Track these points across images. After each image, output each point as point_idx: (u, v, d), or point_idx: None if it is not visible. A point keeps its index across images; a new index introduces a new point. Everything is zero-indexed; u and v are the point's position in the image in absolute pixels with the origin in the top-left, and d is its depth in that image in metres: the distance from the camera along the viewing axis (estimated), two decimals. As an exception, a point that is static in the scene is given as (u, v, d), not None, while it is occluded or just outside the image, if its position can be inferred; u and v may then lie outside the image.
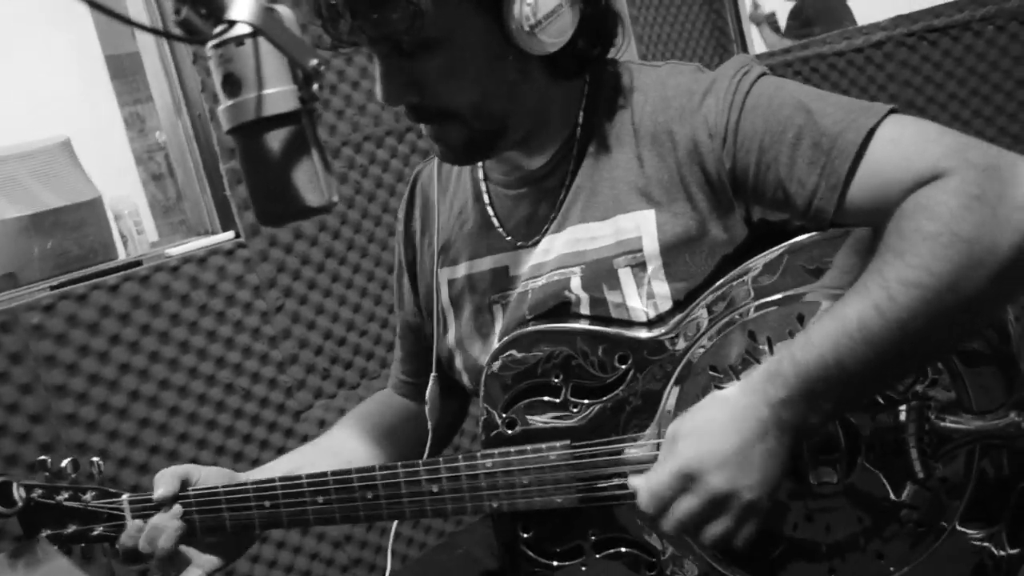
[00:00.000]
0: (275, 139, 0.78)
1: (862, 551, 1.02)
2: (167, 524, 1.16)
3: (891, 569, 1.01)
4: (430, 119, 1.06)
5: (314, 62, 0.77)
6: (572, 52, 1.05)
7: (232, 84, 0.77)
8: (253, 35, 0.76)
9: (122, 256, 2.16)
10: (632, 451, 1.05)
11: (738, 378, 1.01)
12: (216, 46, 0.77)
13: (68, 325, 1.79)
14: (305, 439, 2.09)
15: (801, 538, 1.03)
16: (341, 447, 1.34)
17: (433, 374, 1.27)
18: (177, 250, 1.99)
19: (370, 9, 0.94)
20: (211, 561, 1.22)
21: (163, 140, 2.25)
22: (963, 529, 1.00)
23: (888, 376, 0.96)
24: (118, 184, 2.82)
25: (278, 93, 0.77)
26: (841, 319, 0.90)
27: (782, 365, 0.92)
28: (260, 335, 2.06)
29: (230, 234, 2.07)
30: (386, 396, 1.46)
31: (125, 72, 3.41)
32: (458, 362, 1.25)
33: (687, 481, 0.93)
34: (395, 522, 1.61)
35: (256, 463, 1.93)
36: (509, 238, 1.19)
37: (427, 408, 1.27)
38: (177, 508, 1.17)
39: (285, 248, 2.11)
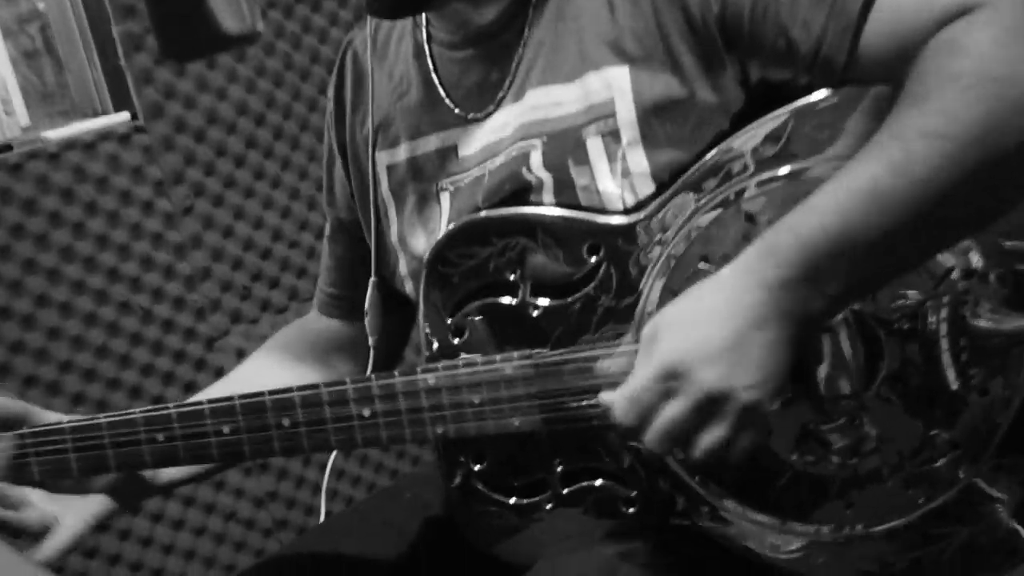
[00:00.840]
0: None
1: (884, 481, 1.05)
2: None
3: (920, 501, 1.04)
4: None
5: None
6: None
7: None
8: None
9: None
10: (606, 363, 1.07)
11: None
12: None
13: (-82, 222, 1.81)
14: (220, 373, 2.11)
15: (810, 465, 1.05)
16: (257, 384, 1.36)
17: (372, 279, 1.29)
18: (57, 133, 1.98)
19: None
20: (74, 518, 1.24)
21: (42, 5, 2.22)
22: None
23: (906, 251, 0.96)
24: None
25: None
26: (849, 180, 0.91)
27: (779, 238, 0.93)
28: (164, 242, 2.07)
29: (125, 115, 2.06)
30: (311, 320, 1.49)
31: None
32: (401, 266, 1.27)
33: (671, 380, 0.94)
34: (331, 458, 1.64)
35: (158, 401, 1.97)
36: (457, 110, 1.20)
37: (367, 320, 1.29)
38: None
39: (196, 135, 2.11)
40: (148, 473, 1.27)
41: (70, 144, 1.96)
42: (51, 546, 1.22)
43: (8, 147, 1.94)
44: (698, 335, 0.94)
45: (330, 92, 1.38)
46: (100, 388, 1.99)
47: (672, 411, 0.95)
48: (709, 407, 0.94)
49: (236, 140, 2.17)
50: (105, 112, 2.09)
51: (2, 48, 2.45)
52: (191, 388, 2.06)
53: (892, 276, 0.98)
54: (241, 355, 2.14)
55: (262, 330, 2.19)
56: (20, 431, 1.18)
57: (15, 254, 1.90)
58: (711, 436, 0.95)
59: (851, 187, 0.90)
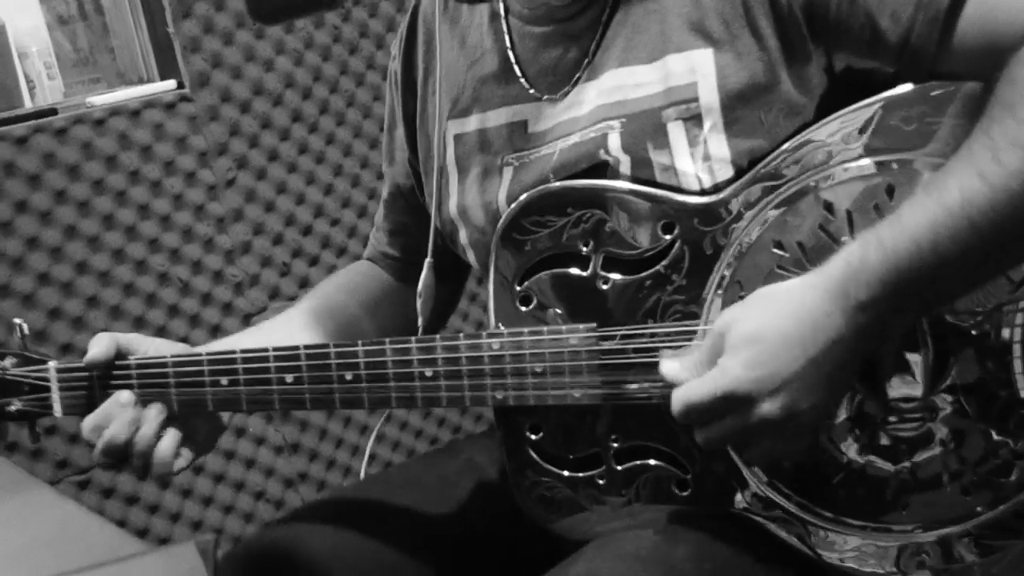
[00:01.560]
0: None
1: (944, 486, 1.09)
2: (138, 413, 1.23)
3: (978, 510, 1.08)
4: None
5: None
6: None
7: None
8: None
9: (28, 106, 2.22)
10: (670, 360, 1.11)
11: (806, 258, 1.08)
12: None
13: (-38, 184, 1.86)
14: (255, 349, 2.17)
15: (869, 464, 1.10)
16: (318, 320, 1.43)
17: (428, 260, 1.34)
18: (103, 99, 2.05)
19: None
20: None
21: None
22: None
23: (992, 265, 1.00)
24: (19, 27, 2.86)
25: None
26: (939, 192, 0.94)
27: (867, 254, 0.96)
28: (205, 215, 2.14)
29: (171, 83, 2.13)
30: (366, 267, 1.55)
31: None
32: (462, 236, 1.32)
33: (732, 403, 0.99)
34: (378, 424, 1.69)
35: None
36: (532, 90, 1.25)
37: (419, 301, 1.34)
38: (127, 395, 1.24)
39: (241, 105, 2.17)
40: None
41: (115, 111, 2.03)
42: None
43: (53, 111, 2.00)
44: (764, 366, 0.98)
45: (396, 51, 1.43)
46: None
47: (729, 427, 1.01)
48: (763, 428, 0.99)
49: (281, 113, 2.23)
50: (151, 79, 2.16)
51: (38, 16, 2.52)
52: (226, 362, 2.11)
53: (973, 290, 1.03)
54: (278, 332, 2.21)
55: (300, 307, 2.25)
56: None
57: (56, 219, 1.96)
58: (765, 449, 1.02)
59: (943, 202, 0.94)
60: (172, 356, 1.25)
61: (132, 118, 2.05)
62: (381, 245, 1.54)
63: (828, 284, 0.98)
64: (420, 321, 1.34)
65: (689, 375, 1.04)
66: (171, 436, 1.24)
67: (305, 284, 2.27)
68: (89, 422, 1.24)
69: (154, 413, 1.23)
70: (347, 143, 2.33)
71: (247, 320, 2.18)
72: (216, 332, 2.15)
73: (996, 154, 0.92)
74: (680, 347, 1.11)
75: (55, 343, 1.96)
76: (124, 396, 1.23)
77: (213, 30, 2.12)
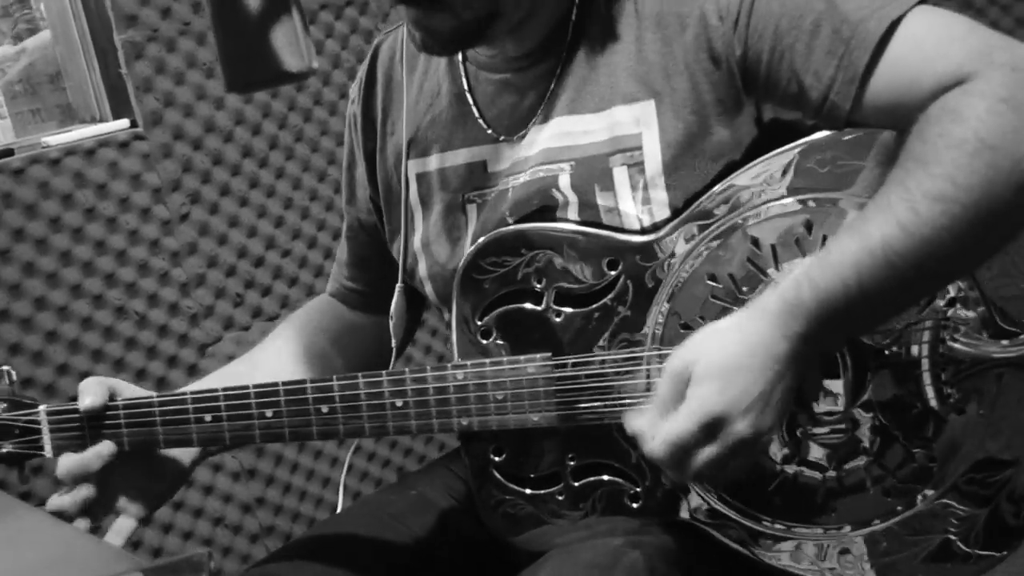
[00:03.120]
0: (255, -6, 0.95)
1: (867, 490, 1.22)
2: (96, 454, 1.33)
3: (898, 508, 1.21)
4: (417, 4, 1.20)
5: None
6: None
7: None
8: None
9: (-18, 146, 2.26)
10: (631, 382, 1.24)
11: (737, 288, 1.21)
12: None
13: (-80, 226, 1.93)
14: (211, 378, 2.25)
15: (799, 472, 1.23)
16: (279, 363, 1.53)
17: (400, 285, 1.45)
18: (58, 139, 2.12)
19: None
20: (137, 507, 1.40)
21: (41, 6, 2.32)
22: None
23: (910, 297, 1.14)
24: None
25: (261, -61, 0.94)
26: (862, 237, 1.06)
27: (801, 292, 1.07)
28: (160, 249, 2.21)
29: (124, 122, 2.20)
30: (326, 304, 1.66)
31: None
32: (421, 268, 1.43)
33: (712, 429, 1.10)
34: (348, 455, 1.78)
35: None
36: (490, 131, 1.36)
37: (392, 324, 1.45)
38: (110, 444, 1.34)
39: (193, 143, 2.25)
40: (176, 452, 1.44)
41: (71, 150, 2.10)
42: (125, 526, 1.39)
43: (9, 152, 2.07)
44: (736, 388, 1.09)
45: (355, 94, 1.53)
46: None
47: (709, 454, 1.11)
48: (740, 449, 1.11)
49: (232, 149, 2.31)
50: (104, 119, 2.23)
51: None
52: (183, 393, 2.18)
53: (894, 316, 1.16)
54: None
55: (253, 336, 2.33)
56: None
57: (15, 257, 2.03)
58: (735, 467, 1.13)
59: (866, 245, 1.06)
60: (158, 396, 1.35)
61: (87, 157, 2.12)
62: (344, 280, 1.64)
63: (770, 317, 1.09)
64: (393, 342, 1.45)
65: (656, 423, 1.13)
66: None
67: (258, 314, 2.36)
68: (66, 465, 1.34)
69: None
70: (296, 177, 2.42)
71: (203, 351, 2.26)
72: (173, 363, 2.23)
73: (913, 205, 1.04)
74: (628, 372, 1.24)
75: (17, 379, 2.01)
76: (107, 448, 1.34)
77: (165, 70, 2.20)
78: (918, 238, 1.04)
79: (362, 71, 1.53)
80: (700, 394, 1.10)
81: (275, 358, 1.57)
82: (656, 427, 1.12)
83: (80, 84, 2.26)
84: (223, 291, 2.31)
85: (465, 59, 1.39)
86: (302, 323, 1.63)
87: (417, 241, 1.43)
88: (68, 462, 1.34)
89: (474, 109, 1.38)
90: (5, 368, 1.38)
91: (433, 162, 1.41)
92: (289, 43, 0.96)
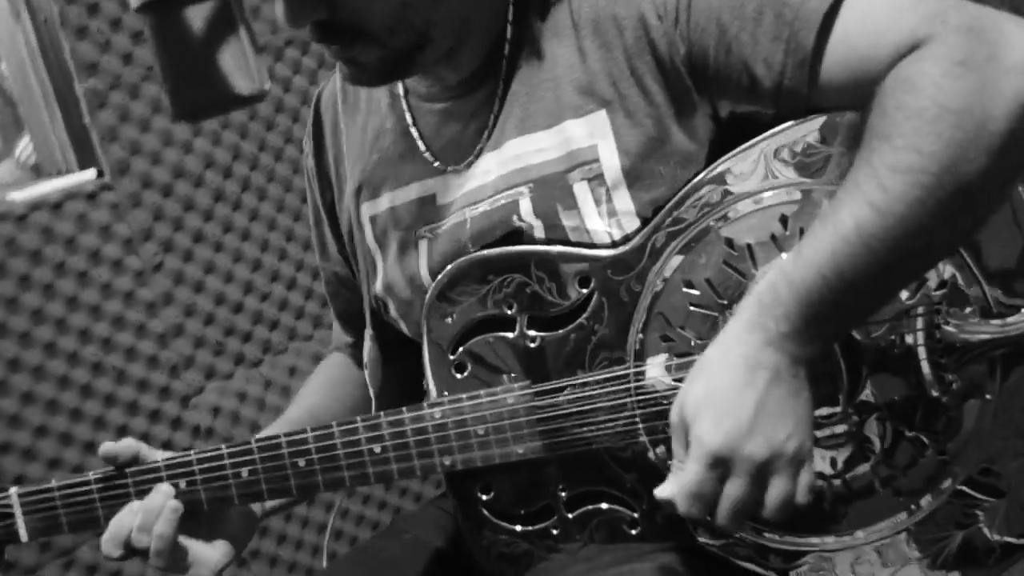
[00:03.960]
0: (197, 16, 0.90)
1: (877, 491, 1.16)
2: (161, 505, 1.26)
3: (912, 507, 1.15)
4: (341, 38, 1.14)
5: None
6: None
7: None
8: None
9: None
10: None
11: (716, 293, 1.15)
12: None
13: None
14: (197, 430, 2.20)
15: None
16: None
17: (369, 332, 1.40)
18: (23, 194, 2.06)
19: None
20: (217, 557, 1.33)
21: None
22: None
23: (894, 282, 1.08)
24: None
25: (193, -41, 0.89)
26: (834, 224, 1.01)
27: (777, 291, 1.03)
28: (134, 301, 2.16)
29: (91, 173, 2.15)
30: (337, 359, 1.61)
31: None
32: (391, 310, 1.38)
33: (721, 466, 1.03)
34: (338, 502, 1.71)
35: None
36: (437, 163, 1.31)
37: (367, 373, 1.40)
38: (167, 487, 1.27)
39: (163, 190, 2.20)
40: None
41: (36, 205, 2.05)
42: None
43: (-28, 211, 2.02)
44: (728, 416, 1.03)
45: (307, 148, 1.49)
46: (77, 452, 2.07)
47: (734, 491, 1.04)
48: (765, 472, 1.03)
49: (204, 194, 2.26)
50: (70, 171, 2.17)
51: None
52: (168, 447, 2.14)
53: (883, 304, 1.10)
54: (217, 412, 2.25)
55: (236, 384, 2.29)
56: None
57: (-15, 320, 1.97)
58: (774, 494, 1.05)
59: (839, 232, 1.00)
60: (130, 469, 1.30)
61: (54, 211, 2.07)
62: (340, 335, 1.59)
63: (749, 323, 1.04)
64: (371, 392, 1.39)
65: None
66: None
67: (240, 361, 2.30)
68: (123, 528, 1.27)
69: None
70: (271, 218, 2.37)
71: (186, 402, 2.21)
72: (156, 417, 2.17)
73: (880, 182, 0.99)
74: (612, 392, 1.19)
75: (-8, 443, 1.97)
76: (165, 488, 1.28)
77: (129, 118, 2.15)
78: (891, 216, 0.99)
79: (308, 124, 1.49)
80: (696, 435, 1.04)
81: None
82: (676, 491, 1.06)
83: (44, 137, 2.21)
84: (202, 340, 2.26)
85: (407, 92, 1.34)
86: (314, 386, 1.58)
87: (379, 285, 1.38)
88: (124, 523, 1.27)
89: (419, 142, 1.33)
90: None
91: (384, 202, 1.36)
92: (238, 65, 0.91)
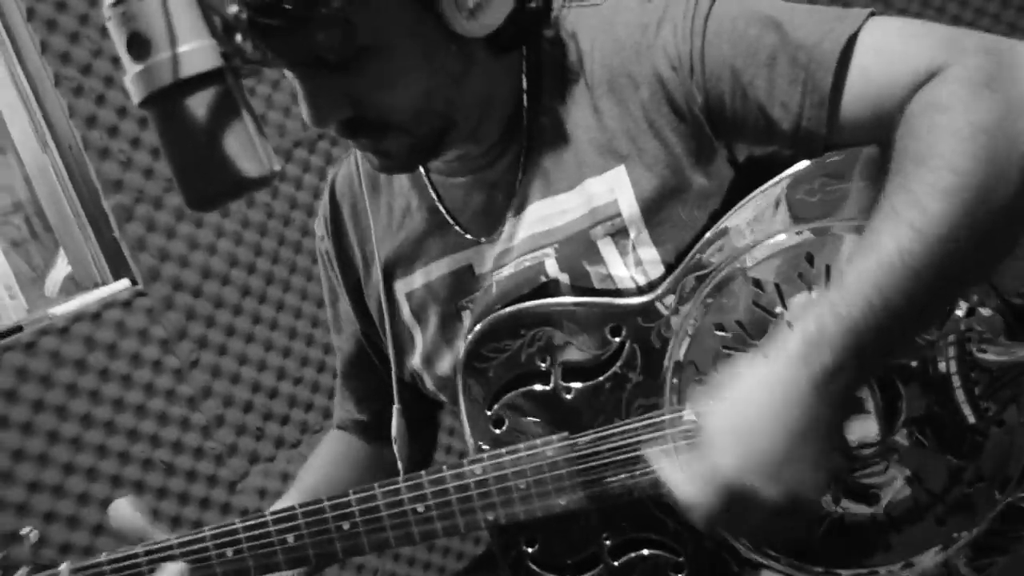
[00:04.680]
0: (198, 104, 0.81)
1: (919, 519, 1.06)
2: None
3: (954, 536, 1.05)
4: (369, 132, 1.07)
5: (234, 9, 0.80)
6: (515, 20, 1.05)
7: (139, 45, 0.80)
8: (158, -16, 0.79)
9: (-4, 327, 2.15)
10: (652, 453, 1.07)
11: (747, 333, 1.06)
12: (115, 4, 0.80)
13: (-57, 413, 1.79)
14: (245, 513, 2.09)
15: (847, 512, 1.07)
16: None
17: (396, 406, 1.29)
18: (63, 308, 1.99)
19: (290, 33, 0.94)
20: None
21: (27, 198, 2.25)
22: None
23: (938, 305, 0.99)
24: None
25: (196, 49, 0.81)
26: (876, 251, 0.91)
27: (823, 323, 0.91)
28: (176, 397, 2.07)
29: (124, 282, 2.08)
30: (341, 437, 1.49)
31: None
32: (428, 382, 1.28)
33: (740, 497, 0.93)
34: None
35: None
36: (468, 236, 1.22)
37: (396, 448, 1.29)
38: (179, 566, 1.18)
39: (193, 291, 2.12)
40: None
41: (77, 317, 1.97)
42: None
43: (19, 328, 1.93)
44: (753, 453, 0.93)
45: (321, 231, 1.39)
46: (134, 545, 1.96)
47: (753, 525, 0.97)
48: (775, 512, 0.94)
49: (231, 291, 2.18)
50: (105, 282, 2.10)
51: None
52: (220, 533, 2.03)
53: (926, 329, 1.01)
54: (263, 494, 2.14)
55: (279, 467, 2.19)
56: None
57: (36, 429, 1.88)
58: (781, 529, 0.98)
59: (883, 259, 0.91)
60: (176, 538, 1.20)
61: (93, 321, 1.98)
62: (351, 415, 1.48)
63: (791, 356, 0.93)
64: (400, 465, 1.28)
65: (678, 472, 0.99)
66: None
67: (281, 444, 2.20)
68: None
69: None
70: (296, 307, 2.28)
71: (233, 488, 2.11)
72: (205, 504, 2.07)
73: (920, 205, 0.90)
74: (650, 439, 1.08)
75: (54, 545, 1.86)
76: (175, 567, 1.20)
77: (156, 227, 2.08)
78: (934, 237, 0.90)
79: (323, 207, 1.39)
80: (715, 457, 0.94)
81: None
82: (680, 480, 0.97)
83: (79, 253, 2.14)
84: (244, 427, 2.16)
85: (427, 170, 1.25)
86: (322, 462, 1.48)
87: (416, 359, 1.28)
88: None
89: (447, 217, 1.23)
90: (26, 530, 1.23)
91: (418, 278, 1.26)
92: (244, 148, 0.83)
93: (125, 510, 1.23)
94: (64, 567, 1.21)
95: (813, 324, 0.93)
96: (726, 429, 0.95)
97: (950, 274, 0.92)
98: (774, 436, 0.92)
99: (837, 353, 0.91)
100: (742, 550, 1.09)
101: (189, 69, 0.81)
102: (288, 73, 1.05)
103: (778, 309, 1.05)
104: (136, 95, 0.82)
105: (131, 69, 0.82)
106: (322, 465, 1.46)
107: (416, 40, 1.02)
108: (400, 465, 1.28)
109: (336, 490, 1.20)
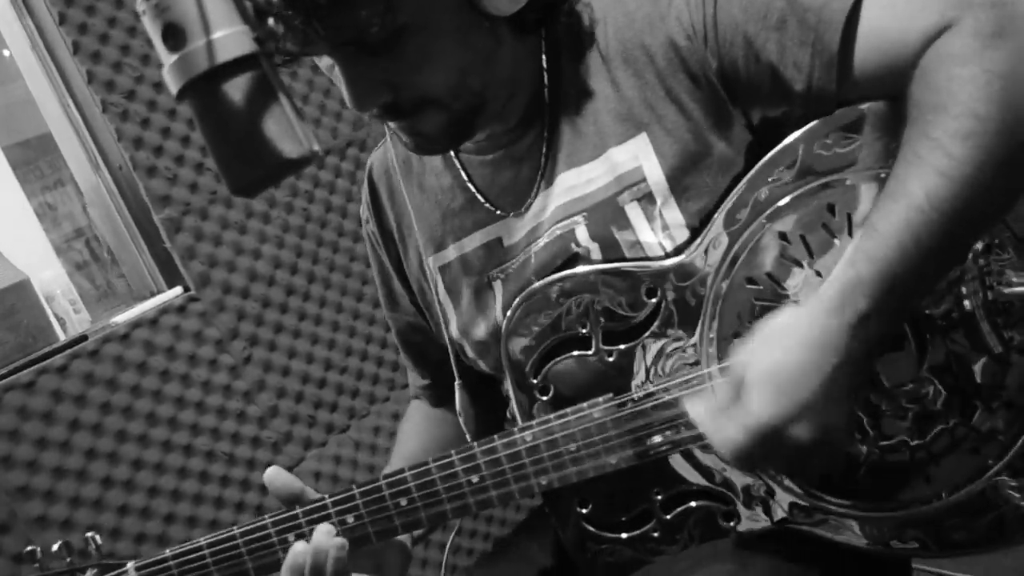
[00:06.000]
0: (235, 89, 0.73)
1: (954, 449, 0.97)
2: (328, 544, 1.07)
3: (989, 462, 0.97)
4: (406, 113, 1.00)
5: (265, -9, 0.72)
6: (536, 1, 1.00)
7: (175, 35, 0.72)
8: (189, -28, 0.71)
9: (62, 339, 2.08)
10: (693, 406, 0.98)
11: (778, 284, 0.98)
12: (147, -3, 0.72)
13: (19, 419, 1.72)
14: (303, 495, 2.02)
15: (885, 450, 0.98)
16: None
17: (458, 382, 1.21)
18: (123, 316, 1.92)
19: (334, 11, 0.87)
20: None
21: (86, 224, 2.19)
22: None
23: (967, 242, 0.92)
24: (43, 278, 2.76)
25: (230, 35, 0.72)
26: (905, 196, 0.85)
27: (858, 270, 0.86)
28: (232, 392, 1.99)
29: (178, 290, 2.01)
30: (416, 407, 1.42)
31: (28, 160, 3.33)
32: (468, 351, 1.20)
33: (772, 439, 0.86)
34: (451, 536, 1.54)
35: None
36: (498, 211, 1.14)
37: (461, 420, 1.21)
38: (329, 526, 1.09)
39: (241, 293, 2.05)
40: None
41: (136, 324, 1.90)
42: None
43: (84, 337, 1.86)
44: (786, 396, 0.86)
45: (366, 214, 1.31)
46: (203, 530, 1.86)
47: (778, 464, 0.92)
48: (810, 452, 0.88)
49: (277, 291, 2.10)
50: (160, 291, 2.03)
51: (59, 268, 2.44)
52: (280, 515, 1.96)
53: (955, 267, 0.94)
54: (318, 477, 2.07)
55: (331, 451, 2.12)
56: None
57: (105, 429, 1.81)
58: (812, 467, 0.93)
59: (911, 203, 0.85)
60: (239, 528, 1.12)
61: (151, 327, 1.91)
62: (416, 381, 1.40)
63: (826, 307, 0.86)
64: (468, 438, 1.19)
65: (713, 417, 0.90)
66: None
67: (331, 429, 2.13)
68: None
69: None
70: (337, 302, 2.21)
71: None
72: (265, 490, 1.97)
73: (944, 150, 0.84)
74: (694, 392, 0.99)
75: (129, 536, 1.79)
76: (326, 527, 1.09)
77: (203, 237, 2.01)
78: (960, 180, 0.83)
79: (364, 193, 1.31)
80: (750, 404, 0.87)
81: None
82: (715, 426, 0.89)
83: (134, 266, 2.07)
84: (296, 416, 2.08)
85: (457, 151, 1.17)
86: (405, 435, 1.39)
87: (455, 330, 1.20)
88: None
89: (478, 195, 1.15)
90: (89, 535, 1.14)
91: (452, 252, 1.18)
92: (283, 130, 0.74)
93: (281, 474, 1.12)
94: (130, 565, 1.13)
95: (848, 270, 0.86)
96: (763, 378, 0.87)
97: (977, 213, 0.86)
98: (810, 383, 0.86)
99: (873, 297, 0.85)
100: (792, 495, 1.00)
101: (224, 55, 0.72)
102: (324, 65, 0.97)
103: (805, 260, 0.97)
104: (174, 85, 0.74)
105: (167, 60, 0.73)
106: (402, 441, 1.38)
107: (452, 18, 0.95)
108: (468, 438, 1.19)
109: (412, 462, 1.12)
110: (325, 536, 1.07)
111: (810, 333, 0.87)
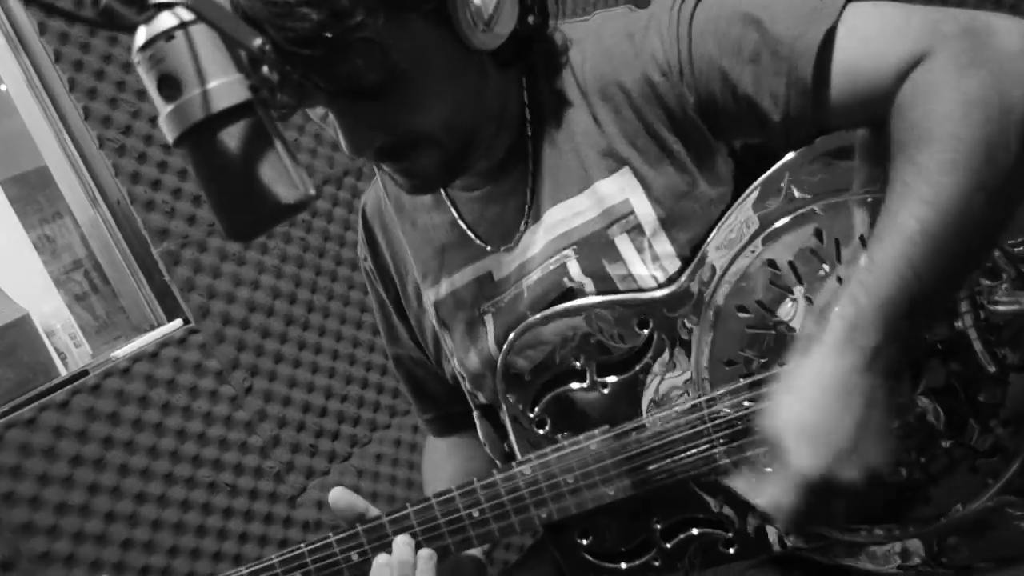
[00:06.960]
0: (231, 137, 0.74)
1: (953, 470, 0.98)
2: (408, 556, 1.07)
3: (989, 481, 0.98)
4: (402, 155, 1.01)
5: (258, 42, 0.73)
6: (516, 36, 1.01)
7: (170, 85, 0.73)
8: (182, 26, 0.72)
9: (63, 374, 2.09)
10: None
11: (768, 312, 0.98)
12: (143, 48, 0.73)
13: (21, 455, 1.71)
14: (306, 526, 2.03)
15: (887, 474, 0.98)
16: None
17: (476, 413, 1.22)
18: (124, 350, 1.92)
19: (331, 63, 0.88)
20: None
21: (85, 255, 2.21)
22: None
23: (963, 272, 0.93)
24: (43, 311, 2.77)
25: (224, 84, 0.74)
26: (897, 229, 0.86)
27: (859, 305, 0.86)
28: (234, 423, 1.99)
29: (178, 322, 2.01)
30: (431, 443, 1.43)
31: (25, 194, 3.35)
32: (466, 385, 1.21)
33: (822, 492, 0.86)
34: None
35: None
36: (488, 246, 1.15)
37: (487, 449, 1.22)
38: (408, 537, 1.08)
39: (241, 324, 2.05)
40: None
41: (137, 357, 1.90)
42: None
43: (85, 372, 1.87)
44: (826, 445, 0.86)
45: (363, 253, 1.33)
46: (207, 563, 1.89)
47: (833, 509, 0.90)
48: (861, 493, 0.88)
49: (276, 321, 2.11)
50: (160, 323, 2.03)
51: (59, 301, 2.45)
52: (284, 544, 1.96)
53: (957, 291, 0.95)
54: (321, 505, 2.06)
55: (334, 479, 2.11)
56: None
57: (108, 464, 1.81)
58: (871, 500, 0.91)
59: (905, 234, 0.85)
60: (362, 526, 1.12)
61: (152, 360, 1.91)
62: (422, 416, 1.41)
63: (835, 350, 0.87)
64: (497, 463, 1.21)
65: (761, 487, 0.91)
66: None
67: (333, 458, 2.13)
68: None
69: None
70: (336, 330, 2.21)
71: (293, 502, 2.03)
72: (269, 520, 1.99)
73: (931, 181, 0.85)
74: (687, 422, 1.01)
75: (133, 570, 1.79)
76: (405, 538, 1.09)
77: (202, 269, 2.01)
78: (949, 210, 0.84)
79: (360, 232, 1.33)
80: (795, 463, 0.87)
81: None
82: (764, 495, 0.89)
83: (133, 300, 2.08)
84: (298, 446, 2.08)
85: (446, 188, 1.18)
86: (426, 473, 1.42)
87: (456, 363, 1.21)
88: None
89: (467, 231, 1.16)
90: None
91: (444, 287, 1.20)
92: (279, 176, 0.75)
93: (344, 494, 1.12)
94: None
95: (850, 307, 0.87)
96: (797, 436, 0.87)
97: (971, 238, 0.87)
98: (842, 427, 0.86)
99: (879, 330, 0.85)
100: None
101: (219, 103, 0.74)
102: (316, 115, 0.98)
103: (795, 287, 0.98)
104: (170, 134, 0.75)
105: (163, 110, 0.75)
106: (427, 482, 1.41)
107: (443, 56, 0.96)
108: (497, 463, 1.20)
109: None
110: (408, 548, 1.07)
111: (828, 381, 0.87)
